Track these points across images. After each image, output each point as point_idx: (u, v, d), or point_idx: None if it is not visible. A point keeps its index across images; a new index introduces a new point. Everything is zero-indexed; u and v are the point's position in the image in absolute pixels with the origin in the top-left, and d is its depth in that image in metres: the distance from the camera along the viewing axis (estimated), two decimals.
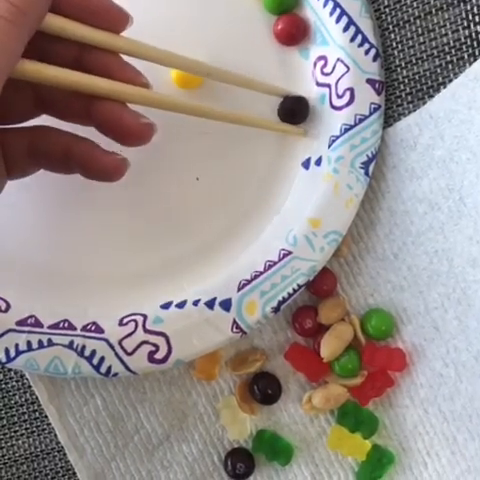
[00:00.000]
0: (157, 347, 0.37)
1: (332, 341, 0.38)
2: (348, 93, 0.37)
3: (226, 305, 0.37)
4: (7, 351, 0.37)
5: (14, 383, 0.40)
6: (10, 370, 0.40)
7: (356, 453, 0.39)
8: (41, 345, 0.37)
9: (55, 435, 0.40)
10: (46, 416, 0.40)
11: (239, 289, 0.37)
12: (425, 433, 0.39)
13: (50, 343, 0.37)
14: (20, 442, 0.40)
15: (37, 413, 0.40)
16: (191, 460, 0.40)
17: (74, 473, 0.40)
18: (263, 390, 0.39)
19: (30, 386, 0.39)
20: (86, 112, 0.33)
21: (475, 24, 0.37)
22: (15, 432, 0.40)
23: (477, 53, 0.37)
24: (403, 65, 0.38)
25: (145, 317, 0.37)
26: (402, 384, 0.39)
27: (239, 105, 0.39)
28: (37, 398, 0.39)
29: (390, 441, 0.40)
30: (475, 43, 0.37)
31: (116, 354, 0.36)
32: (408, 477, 0.39)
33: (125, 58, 0.34)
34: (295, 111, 0.39)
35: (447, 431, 0.39)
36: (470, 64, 0.37)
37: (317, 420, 0.40)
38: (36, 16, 0.30)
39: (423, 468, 0.39)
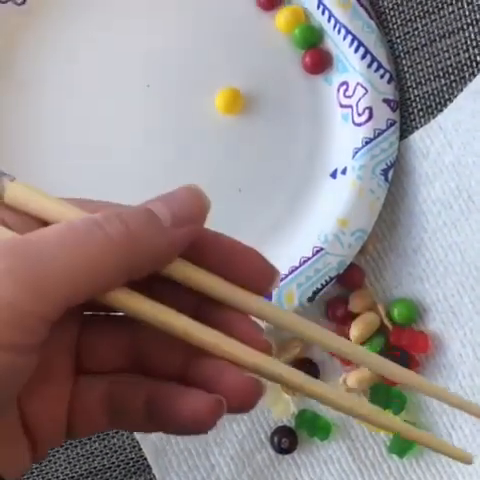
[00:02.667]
0: None
1: (361, 326, 0.43)
2: (367, 111, 0.43)
3: (268, 296, 0.42)
4: None
5: None
6: None
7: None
8: None
9: None
10: None
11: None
12: (449, 408, 0.43)
13: None
14: None
15: None
16: (241, 437, 0.44)
17: (140, 449, 0.44)
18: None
19: None
20: (184, 370, 0.25)
21: (473, 48, 0.42)
22: None
23: (476, 72, 0.42)
24: (414, 85, 0.44)
25: None
26: (426, 365, 0.44)
27: (277, 132, 0.45)
28: None
29: (417, 417, 0.44)
30: (474, 64, 0.42)
31: None
32: None
33: None
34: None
35: None
36: (471, 81, 0.42)
37: None
38: (149, 256, 0.24)
39: (448, 440, 0.43)
